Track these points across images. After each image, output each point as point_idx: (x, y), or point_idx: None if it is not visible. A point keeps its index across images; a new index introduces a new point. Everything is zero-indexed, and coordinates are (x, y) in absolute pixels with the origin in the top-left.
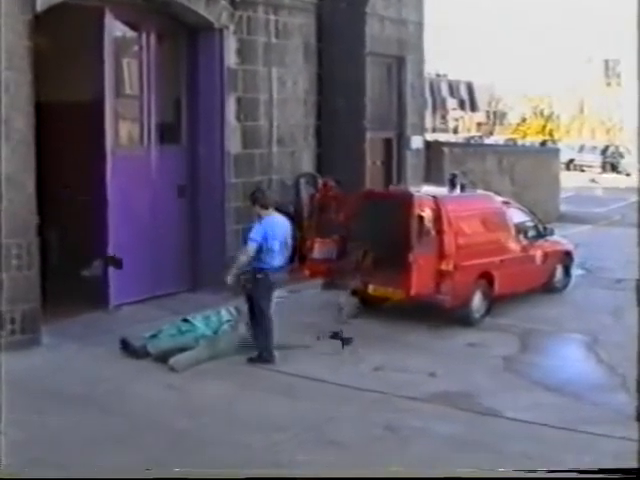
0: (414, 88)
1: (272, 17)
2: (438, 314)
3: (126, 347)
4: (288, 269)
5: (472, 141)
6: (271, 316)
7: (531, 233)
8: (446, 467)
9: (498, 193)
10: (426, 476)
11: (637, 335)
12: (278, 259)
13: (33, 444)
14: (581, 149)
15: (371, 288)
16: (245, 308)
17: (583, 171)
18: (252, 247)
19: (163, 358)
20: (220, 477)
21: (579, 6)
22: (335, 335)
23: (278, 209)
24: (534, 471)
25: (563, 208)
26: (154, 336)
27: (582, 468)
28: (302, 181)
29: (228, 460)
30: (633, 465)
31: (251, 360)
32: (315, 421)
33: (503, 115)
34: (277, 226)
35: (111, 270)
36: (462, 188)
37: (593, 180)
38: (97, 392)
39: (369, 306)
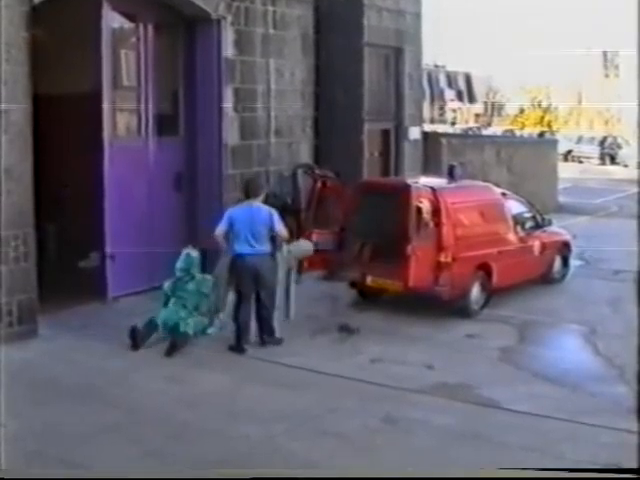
0: (412, 79)
1: (270, 8)
2: (436, 306)
3: (134, 334)
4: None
5: (470, 132)
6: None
7: (529, 224)
8: (445, 459)
9: (496, 184)
10: (426, 476)
11: (636, 327)
12: (241, 247)
13: (31, 436)
14: (579, 140)
15: (369, 280)
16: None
17: (581, 162)
18: (217, 231)
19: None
20: (220, 477)
21: None
22: (342, 328)
23: (275, 200)
24: (534, 470)
25: (561, 199)
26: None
27: (582, 467)
28: (300, 172)
29: (227, 451)
30: (631, 457)
31: (230, 348)
32: (314, 412)
33: (501, 106)
34: (242, 214)
35: (108, 262)
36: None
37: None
38: (95, 383)
39: (367, 298)
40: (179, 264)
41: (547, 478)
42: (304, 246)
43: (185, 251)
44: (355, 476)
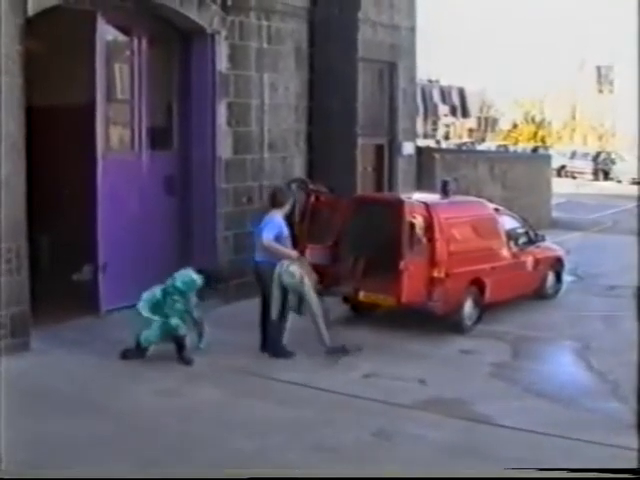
0: (406, 94)
1: (264, 22)
2: (429, 321)
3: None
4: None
5: (464, 147)
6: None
7: (522, 239)
8: (438, 473)
9: (490, 199)
10: (425, 476)
11: (630, 342)
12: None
13: (24, 448)
14: (573, 155)
15: (362, 295)
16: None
17: (575, 178)
18: None
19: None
20: (220, 477)
21: (571, 13)
22: (341, 349)
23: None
24: (534, 470)
25: (555, 214)
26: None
27: (581, 467)
28: (293, 187)
29: (221, 463)
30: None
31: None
32: (307, 427)
33: (495, 121)
34: (262, 223)
35: (101, 275)
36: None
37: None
38: (88, 397)
39: (360, 313)
40: (179, 283)
41: (547, 478)
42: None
43: (188, 272)
44: (355, 476)
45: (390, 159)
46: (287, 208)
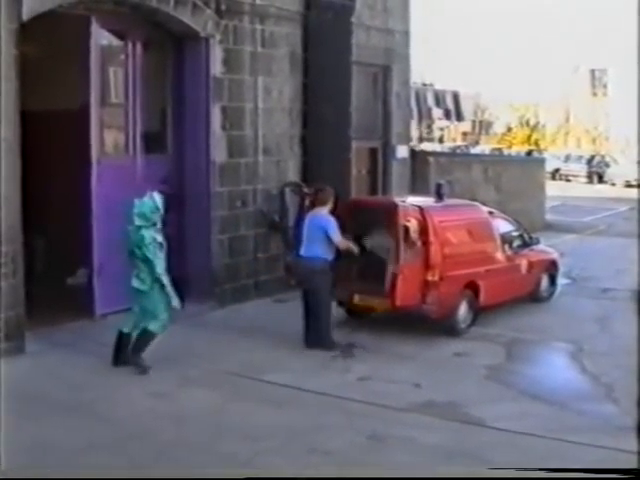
0: (400, 97)
1: (258, 26)
2: (424, 324)
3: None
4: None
5: (458, 151)
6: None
7: (517, 242)
8: (431, 475)
9: (484, 203)
10: (424, 476)
11: (623, 345)
12: (300, 249)
13: (18, 451)
14: (567, 159)
15: (357, 298)
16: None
17: (569, 181)
18: None
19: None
20: (220, 477)
21: (566, 17)
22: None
23: (262, 218)
24: (534, 471)
25: (549, 217)
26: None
27: (582, 468)
28: (287, 190)
29: (214, 468)
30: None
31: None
32: (300, 430)
33: (489, 125)
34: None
35: (96, 279)
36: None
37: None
38: (82, 400)
39: (355, 316)
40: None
41: (547, 478)
42: None
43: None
44: (355, 476)
45: (384, 162)
46: (330, 205)
